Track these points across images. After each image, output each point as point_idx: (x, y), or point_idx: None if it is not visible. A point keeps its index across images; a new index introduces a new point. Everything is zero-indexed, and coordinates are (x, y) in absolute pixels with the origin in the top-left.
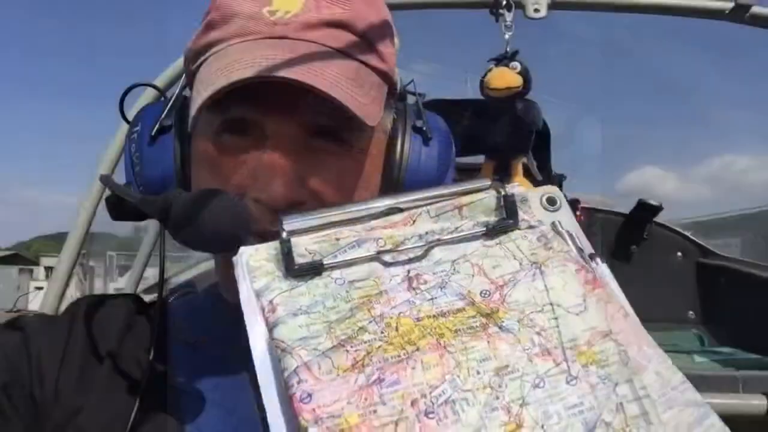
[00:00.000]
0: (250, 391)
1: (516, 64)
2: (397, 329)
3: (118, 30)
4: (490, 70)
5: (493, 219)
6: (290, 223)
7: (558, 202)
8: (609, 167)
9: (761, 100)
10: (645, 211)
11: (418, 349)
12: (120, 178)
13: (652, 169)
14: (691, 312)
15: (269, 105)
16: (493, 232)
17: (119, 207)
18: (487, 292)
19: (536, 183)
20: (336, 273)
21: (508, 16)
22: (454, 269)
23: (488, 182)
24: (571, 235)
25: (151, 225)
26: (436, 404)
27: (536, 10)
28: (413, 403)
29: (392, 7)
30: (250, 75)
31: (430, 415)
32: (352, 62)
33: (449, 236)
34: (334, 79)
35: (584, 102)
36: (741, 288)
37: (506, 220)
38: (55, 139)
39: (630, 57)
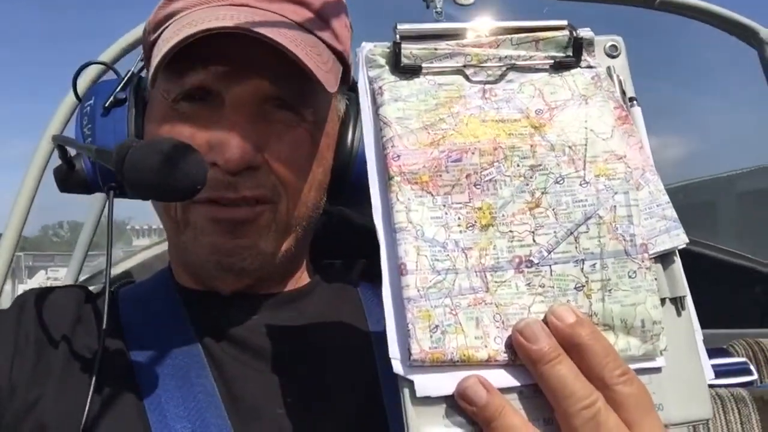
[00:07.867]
0: (205, 363)
1: None
2: (467, 125)
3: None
4: None
5: (561, 55)
6: (403, 28)
7: (618, 50)
8: None
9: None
10: None
11: (479, 141)
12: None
13: None
14: None
15: (228, 72)
16: (558, 66)
17: (68, 178)
18: (541, 111)
19: None
20: (430, 76)
21: (438, 2)
22: (521, 89)
23: (565, 22)
24: (620, 80)
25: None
26: (483, 180)
27: None
28: (468, 175)
29: None
30: (209, 27)
31: (477, 186)
32: (309, 34)
33: (523, 62)
34: (292, 38)
35: None
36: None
37: (571, 57)
38: None
39: None
